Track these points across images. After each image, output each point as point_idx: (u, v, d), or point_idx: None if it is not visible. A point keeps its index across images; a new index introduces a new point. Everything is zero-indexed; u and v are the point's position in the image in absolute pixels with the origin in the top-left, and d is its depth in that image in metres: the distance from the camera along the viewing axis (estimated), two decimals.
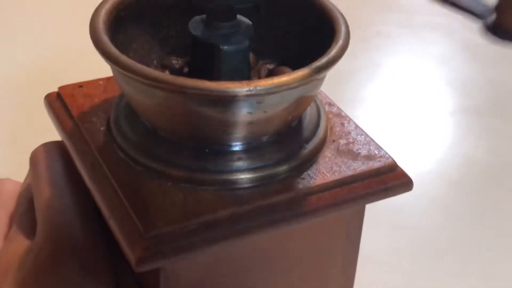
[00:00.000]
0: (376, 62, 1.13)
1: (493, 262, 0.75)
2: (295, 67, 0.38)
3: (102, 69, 0.48)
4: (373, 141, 0.42)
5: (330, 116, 0.44)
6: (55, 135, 0.47)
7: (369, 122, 0.96)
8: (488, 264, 0.74)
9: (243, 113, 0.38)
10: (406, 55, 1.18)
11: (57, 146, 0.46)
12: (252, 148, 0.40)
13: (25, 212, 0.45)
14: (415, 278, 0.73)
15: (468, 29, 1.23)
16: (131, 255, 0.36)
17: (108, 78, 0.47)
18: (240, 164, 0.40)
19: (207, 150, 0.40)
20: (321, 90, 0.45)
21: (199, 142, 0.40)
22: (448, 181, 0.87)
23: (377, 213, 0.82)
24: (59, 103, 0.46)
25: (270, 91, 0.37)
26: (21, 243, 0.43)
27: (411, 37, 1.22)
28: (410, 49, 1.19)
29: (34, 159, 0.46)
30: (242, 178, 0.40)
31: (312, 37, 0.43)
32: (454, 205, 0.83)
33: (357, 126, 0.44)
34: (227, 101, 0.37)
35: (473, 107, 1.02)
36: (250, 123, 0.38)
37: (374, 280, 0.72)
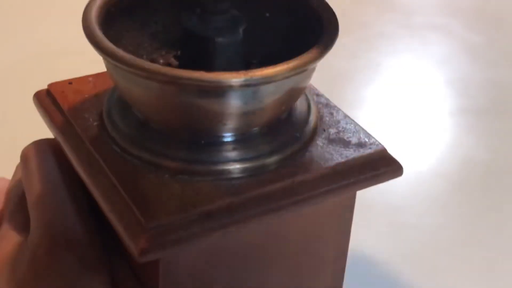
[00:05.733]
0: (376, 62, 1.16)
1: (493, 262, 0.77)
2: (282, 60, 0.41)
3: (84, 68, 0.49)
4: (363, 129, 0.46)
5: (319, 106, 0.48)
6: (45, 133, 0.48)
7: (369, 122, 0.98)
8: (488, 264, 0.77)
9: (238, 104, 0.42)
10: (406, 55, 1.20)
11: (49, 143, 0.49)
12: (247, 139, 0.45)
13: (16, 209, 0.48)
14: (415, 278, 0.74)
15: (468, 29, 1.25)
16: (133, 246, 0.39)
17: (97, 75, 0.51)
18: (235, 154, 0.44)
19: (202, 142, 0.44)
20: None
21: (194, 133, 0.44)
22: (448, 181, 0.89)
23: (377, 213, 0.84)
24: (49, 100, 0.50)
25: (266, 81, 0.40)
26: (13, 240, 0.46)
27: (411, 37, 1.25)
28: (410, 49, 1.22)
29: (25, 156, 0.49)
30: (238, 168, 0.43)
31: (301, 30, 0.45)
32: (454, 205, 0.86)
33: (346, 115, 0.47)
34: (224, 92, 0.41)
35: (473, 107, 1.05)
36: (246, 113, 0.43)
37: (374, 280, 0.73)
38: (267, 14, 0.48)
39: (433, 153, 0.97)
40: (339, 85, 1.09)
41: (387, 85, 1.12)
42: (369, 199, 0.84)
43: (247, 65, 0.48)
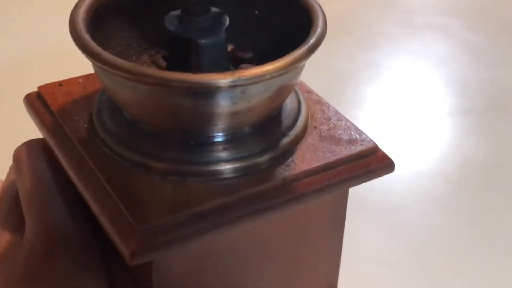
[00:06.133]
0: (376, 62, 1.16)
1: (493, 262, 0.78)
2: (272, 58, 0.42)
3: (74, 69, 0.49)
4: (354, 125, 0.46)
5: (310, 103, 0.48)
6: (36, 134, 0.49)
7: (369, 122, 0.99)
8: (488, 264, 0.77)
9: (227, 104, 0.42)
10: (406, 55, 1.21)
11: (40, 144, 0.50)
12: (237, 138, 0.45)
13: (10, 210, 0.48)
14: (415, 278, 0.75)
15: (468, 29, 1.25)
16: (124, 249, 0.40)
17: (87, 76, 0.51)
18: (226, 154, 0.44)
19: (192, 142, 0.44)
20: (300, 79, 0.47)
21: (183, 134, 0.44)
22: (448, 181, 0.90)
23: (377, 213, 0.84)
24: (39, 102, 0.50)
25: (253, 81, 0.41)
26: (7, 241, 0.46)
27: (411, 37, 1.25)
28: (410, 49, 1.22)
29: (17, 157, 0.49)
30: (229, 168, 0.43)
31: (290, 28, 0.45)
32: (454, 205, 0.86)
33: (337, 112, 0.47)
34: (212, 92, 0.41)
35: (473, 107, 1.05)
36: (235, 113, 0.43)
37: (374, 280, 0.73)
38: (256, 12, 0.49)
39: (432, 153, 0.97)
40: (339, 85, 1.09)
41: (387, 85, 1.13)
42: (369, 200, 0.84)
43: (238, 64, 0.48)
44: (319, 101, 0.50)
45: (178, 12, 0.45)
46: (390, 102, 1.08)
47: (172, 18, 0.45)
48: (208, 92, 0.40)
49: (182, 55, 0.44)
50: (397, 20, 1.32)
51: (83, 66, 0.50)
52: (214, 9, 0.45)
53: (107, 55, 0.41)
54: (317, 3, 0.45)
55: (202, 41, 0.44)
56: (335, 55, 1.14)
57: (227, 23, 0.45)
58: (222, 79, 0.39)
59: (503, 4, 1.40)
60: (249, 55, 0.47)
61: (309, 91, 0.51)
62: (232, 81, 0.40)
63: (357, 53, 1.19)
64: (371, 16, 1.32)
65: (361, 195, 0.81)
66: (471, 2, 1.40)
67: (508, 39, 1.27)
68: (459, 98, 1.10)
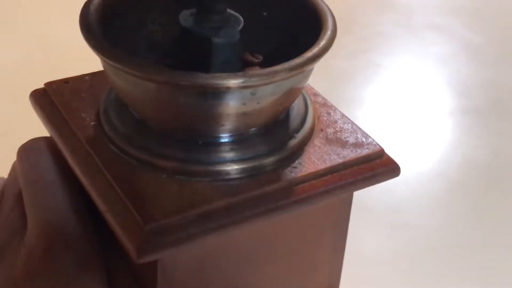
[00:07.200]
0: (376, 62, 1.16)
1: (493, 262, 0.77)
2: (280, 60, 0.42)
3: (80, 66, 0.49)
4: (360, 129, 0.46)
5: (317, 106, 0.48)
6: (42, 132, 0.49)
7: (369, 122, 0.99)
8: (488, 264, 0.77)
9: (237, 105, 0.42)
10: (406, 56, 1.21)
11: (45, 141, 0.50)
12: (244, 139, 0.45)
13: (12, 208, 0.48)
14: (415, 278, 0.75)
15: (468, 29, 1.25)
16: (131, 247, 0.40)
17: (94, 74, 0.51)
18: (233, 155, 0.44)
19: (199, 142, 0.44)
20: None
21: (191, 134, 0.44)
22: (448, 181, 0.90)
23: (377, 213, 0.85)
24: (46, 99, 0.50)
25: (264, 82, 0.41)
26: (9, 239, 0.46)
27: (411, 37, 1.25)
28: (410, 50, 1.22)
29: (21, 154, 0.49)
30: (236, 169, 0.44)
31: (298, 30, 0.46)
32: (454, 205, 0.86)
33: (343, 115, 0.47)
34: (222, 93, 0.41)
35: (473, 108, 1.05)
36: (244, 114, 0.43)
37: (374, 280, 0.73)
38: (264, 13, 0.49)
39: (433, 153, 0.97)
40: (339, 85, 1.10)
41: (387, 85, 1.13)
42: (370, 200, 0.84)
43: (246, 65, 0.48)
44: (325, 104, 0.50)
45: (192, 10, 0.45)
46: (390, 102, 1.08)
47: (186, 16, 0.45)
48: (218, 93, 0.41)
49: (193, 55, 0.44)
50: (397, 20, 1.32)
51: (89, 63, 0.51)
52: (229, 10, 0.45)
53: (118, 52, 0.41)
54: (326, 4, 0.45)
55: (216, 40, 0.44)
56: (335, 55, 1.14)
57: (242, 24, 0.45)
58: (233, 80, 0.40)
59: (503, 4, 1.41)
60: (259, 59, 0.48)
61: (315, 94, 0.51)
62: (243, 82, 0.40)
63: (357, 53, 1.20)
64: (371, 16, 1.32)
65: (362, 196, 0.81)
66: (471, 2, 1.40)
67: (508, 39, 1.27)
68: (459, 98, 1.10)
